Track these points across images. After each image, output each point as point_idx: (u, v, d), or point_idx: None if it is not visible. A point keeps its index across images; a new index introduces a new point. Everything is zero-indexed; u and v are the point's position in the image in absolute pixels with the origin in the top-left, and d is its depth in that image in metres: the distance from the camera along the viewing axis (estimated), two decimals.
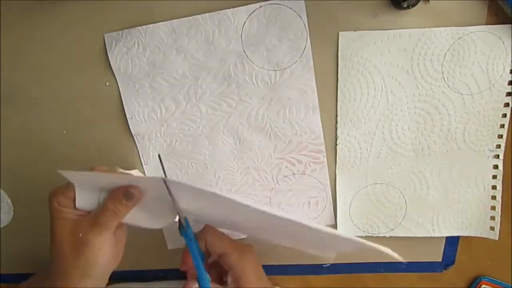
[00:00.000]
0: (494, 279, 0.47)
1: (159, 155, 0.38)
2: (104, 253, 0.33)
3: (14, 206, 0.47)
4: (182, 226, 0.36)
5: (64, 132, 0.44)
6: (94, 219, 0.33)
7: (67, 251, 0.32)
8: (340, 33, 0.39)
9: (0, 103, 0.43)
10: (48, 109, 0.43)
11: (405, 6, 0.37)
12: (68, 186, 0.33)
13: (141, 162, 0.45)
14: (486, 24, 0.38)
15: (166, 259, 0.49)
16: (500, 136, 0.41)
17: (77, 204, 0.33)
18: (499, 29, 0.38)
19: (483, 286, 0.48)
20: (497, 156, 0.42)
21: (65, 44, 0.41)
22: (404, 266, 0.48)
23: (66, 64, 0.41)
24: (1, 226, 0.48)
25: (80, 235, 0.32)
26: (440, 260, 0.48)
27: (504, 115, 0.41)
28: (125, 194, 0.32)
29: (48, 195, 0.33)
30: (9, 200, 0.47)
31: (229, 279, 0.37)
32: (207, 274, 0.35)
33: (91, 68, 0.41)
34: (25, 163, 0.45)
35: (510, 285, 0.47)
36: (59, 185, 0.34)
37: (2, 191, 0.47)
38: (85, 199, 0.33)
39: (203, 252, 0.38)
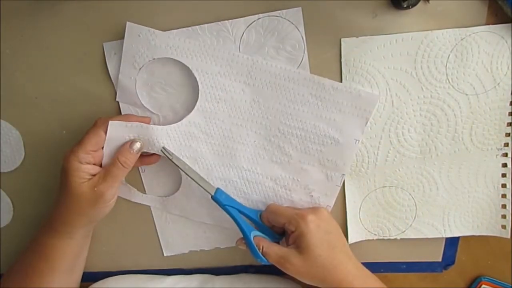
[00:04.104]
0: (494, 279, 0.47)
1: (163, 148, 0.40)
2: (112, 203, 0.39)
3: (14, 206, 0.47)
4: (214, 195, 0.41)
5: (64, 132, 0.44)
6: (106, 172, 0.38)
7: (84, 203, 0.37)
8: (342, 39, 0.39)
9: (0, 103, 0.43)
10: (48, 109, 0.43)
11: (405, 6, 0.37)
12: (83, 143, 0.37)
13: (138, 170, 0.45)
14: (486, 24, 0.38)
15: (163, 259, 0.49)
16: (508, 135, 0.41)
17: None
18: (502, 29, 0.38)
19: (483, 286, 0.48)
20: (506, 155, 0.42)
21: (65, 44, 0.41)
22: (404, 266, 0.48)
23: (66, 64, 0.42)
24: (1, 226, 0.48)
25: (96, 188, 0.37)
26: (440, 260, 0.48)
27: (511, 113, 0.41)
28: (131, 145, 0.39)
29: (65, 156, 0.37)
30: (9, 200, 0.47)
31: (290, 240, 0.40)
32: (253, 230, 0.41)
33: (90, 68, 0.41)
34: (24, 163, 0.45)
35: (510, 285, 0.47)
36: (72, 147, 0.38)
37: (2, 191, 0.47)
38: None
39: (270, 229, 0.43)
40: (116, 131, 0.39)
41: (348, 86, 0.40)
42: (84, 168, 0.37)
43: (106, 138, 0.38)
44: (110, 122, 0.38)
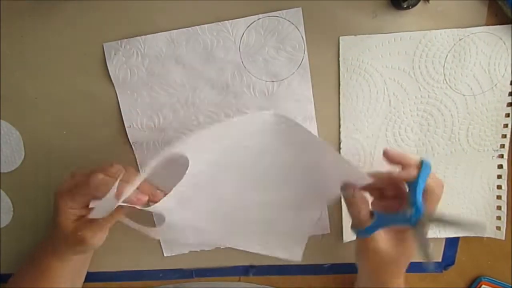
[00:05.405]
0: (494, 279, 0.47)
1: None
2: (97, 246, 0.39)
3: (14, 206, 0.48)
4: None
5: (64, 132, 0.44)
6: (92, 221, 0.37)
7: (70, 237, 0.37)
8: (341, 37, 0.39)
9: (0, 103, 0.43)
10: (48, 109, 0.43)
11: (405, 6, 0.37)
12: (76, 190, 0.36)
13: (138, 170, 0.45)
14: (485, 25, 0.38)
15: (163, 259, 0.49)
16: (504, 136, 0.42)
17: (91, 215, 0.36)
18: (500, 30, 0.38)
19: (483, 286, 0.48)
20: (502, 156, 0.42)
21: (65, 44, 0.41)
22: None
23: (66, 65, 0.42)
24: (1, 226, 0.48)
25: (79, 233, 0.37)
26: (440, 260, 0.48)
27: (508, 115, 0.41)
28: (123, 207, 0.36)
29: (56, 193, 0.37)
30: (9, 200, 0.47)
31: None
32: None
33: (90, 68, 0.42)
34: (24, 163, 0.46)
35: (510, 285, 0.47)
36: (65, 182, 0.37)
37: (2, 191, 0.47)
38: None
39: None
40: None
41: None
42: (72, 211, 0.37)
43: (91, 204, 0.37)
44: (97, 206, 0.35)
